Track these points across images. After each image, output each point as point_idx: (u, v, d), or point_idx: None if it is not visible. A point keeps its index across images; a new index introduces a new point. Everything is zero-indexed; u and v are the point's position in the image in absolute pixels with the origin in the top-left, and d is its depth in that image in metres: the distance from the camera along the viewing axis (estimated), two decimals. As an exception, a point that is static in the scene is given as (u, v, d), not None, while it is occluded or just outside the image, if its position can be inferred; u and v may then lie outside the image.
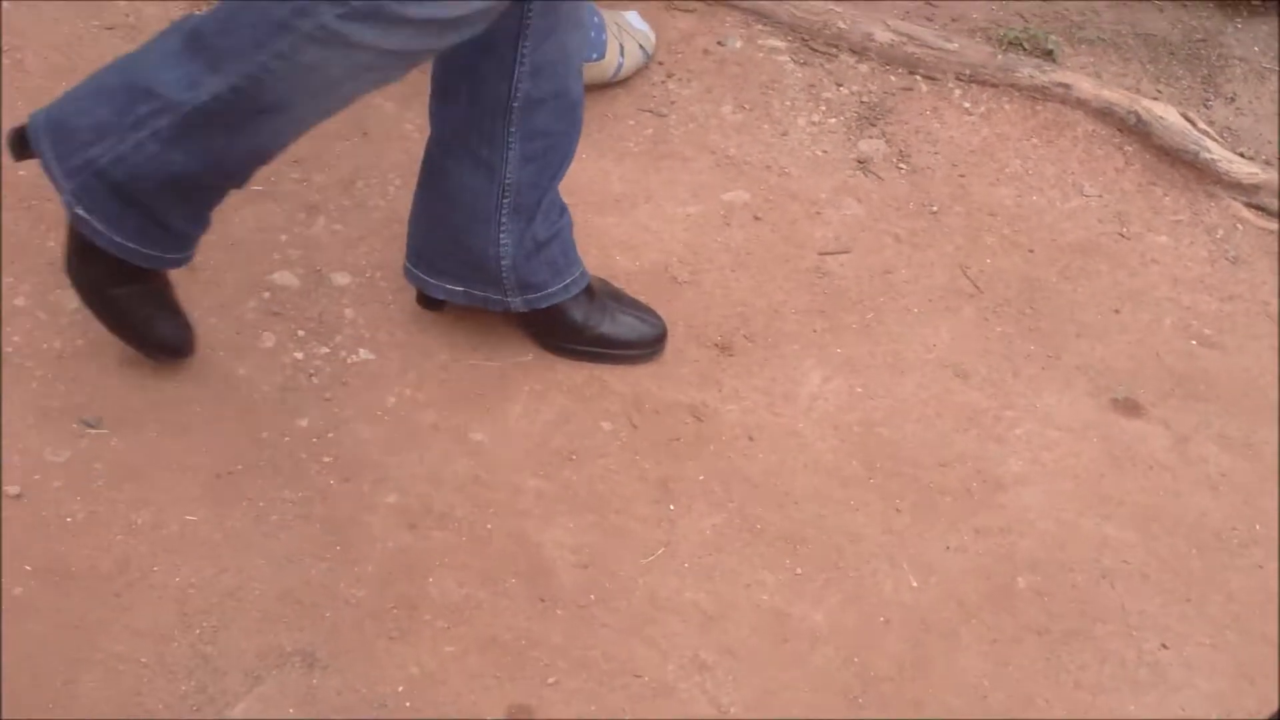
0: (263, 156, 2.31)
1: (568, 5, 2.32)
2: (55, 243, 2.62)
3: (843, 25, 3.14)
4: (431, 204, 2.52)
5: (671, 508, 2.46)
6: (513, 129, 2.39)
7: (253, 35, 2.13)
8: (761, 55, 3.10)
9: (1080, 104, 3.10)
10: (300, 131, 2.28)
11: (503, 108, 2.37)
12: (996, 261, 2.86)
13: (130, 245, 2.34)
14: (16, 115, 2.79)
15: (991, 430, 2.62)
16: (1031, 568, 2.46)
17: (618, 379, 2.59)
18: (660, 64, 3.05)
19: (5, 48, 2.92)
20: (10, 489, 2.35)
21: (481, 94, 2.37)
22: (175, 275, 2.53)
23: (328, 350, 2.57)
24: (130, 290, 2.43)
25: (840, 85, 3.07)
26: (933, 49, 3.13)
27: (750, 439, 2.56)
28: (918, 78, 3.11)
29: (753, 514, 2.47)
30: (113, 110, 2.25)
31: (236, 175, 2.33)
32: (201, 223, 2.39)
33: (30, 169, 2.69)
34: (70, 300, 2.55)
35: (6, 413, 2.43)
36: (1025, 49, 3.16)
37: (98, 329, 2.50)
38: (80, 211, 2.30)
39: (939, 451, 2.59)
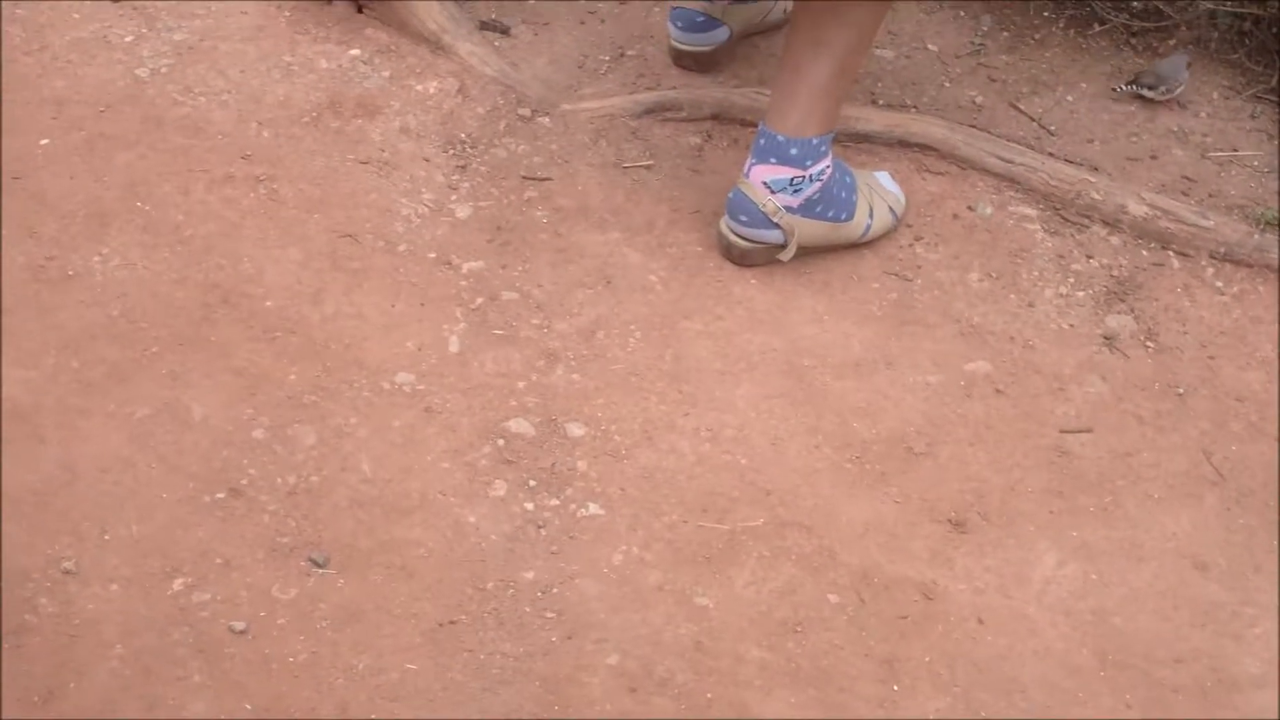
0: None
1: None
2: (296, 376, 2.65)
3: (1096, 196, 3.09)
4: None
5: (895, 688, 2.41)
6: None
7: None
8: (1012, 223, 3.06)
9: (1337, 290, 3.03)
10: None
11: None
12: (1242, 449, 2.78)
13: None
14: (269, 245, 2.83)
15: (1228, 627, 2.55)
16: (1265, 777, 2.39)
17: (847, 550, 2.55)
18: (909, 227, 3.02)
19: (260, 176, 2.96)
20: (236, 624, 2.36)
21: None
22: (412, 418, 2.55)
23: (558, 503, 2.56)
24: None
25: (1090, 257, 3.02)
26: (1187, 225, 3.07)
27: (980, 621, 2.50)
28: (1170, 253, 3.05)
29: (978, 700, 2.41)
30: None
31: None
32: None
33: (276, 300, 2.73)
34: (307, 436, 2.58)
35: (237, 546, 2.45)
36: (1283, 230, 3.10)
37: (332, 466, 2.52)
38: None
39: (1173, 646, 2.51)
